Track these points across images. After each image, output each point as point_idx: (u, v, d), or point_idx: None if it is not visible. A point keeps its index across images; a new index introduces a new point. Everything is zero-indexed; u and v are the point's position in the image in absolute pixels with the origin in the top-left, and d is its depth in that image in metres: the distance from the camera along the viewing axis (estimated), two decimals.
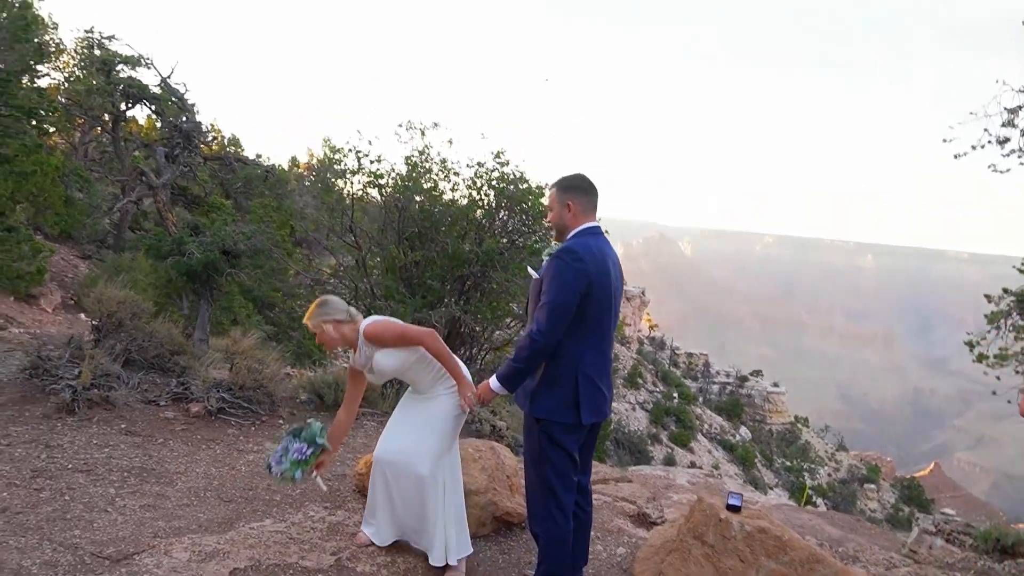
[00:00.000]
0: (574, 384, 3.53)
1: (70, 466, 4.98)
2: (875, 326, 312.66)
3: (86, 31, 17.19)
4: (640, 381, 58.18)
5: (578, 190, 3.67)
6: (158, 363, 7.20)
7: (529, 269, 3.76)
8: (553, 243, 3.75)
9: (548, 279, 3.49)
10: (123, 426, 5.84)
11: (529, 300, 3.76)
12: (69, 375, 6.10)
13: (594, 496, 5.75)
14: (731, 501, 4.06)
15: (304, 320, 4.05)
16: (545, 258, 3.63)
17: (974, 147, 7.82)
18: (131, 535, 4.13)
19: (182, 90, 13.75)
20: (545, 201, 3.78)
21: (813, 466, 59.83)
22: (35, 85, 13.03)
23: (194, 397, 6.48)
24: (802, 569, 3.77)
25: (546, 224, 3.88)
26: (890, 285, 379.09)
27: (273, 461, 4.09)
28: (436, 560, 3.99)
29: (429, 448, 3.94)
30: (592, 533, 4.93)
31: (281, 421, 6.63)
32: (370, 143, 8.37)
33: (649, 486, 6.91)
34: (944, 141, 7.78)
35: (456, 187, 8.37)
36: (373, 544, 4.23)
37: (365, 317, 4.07)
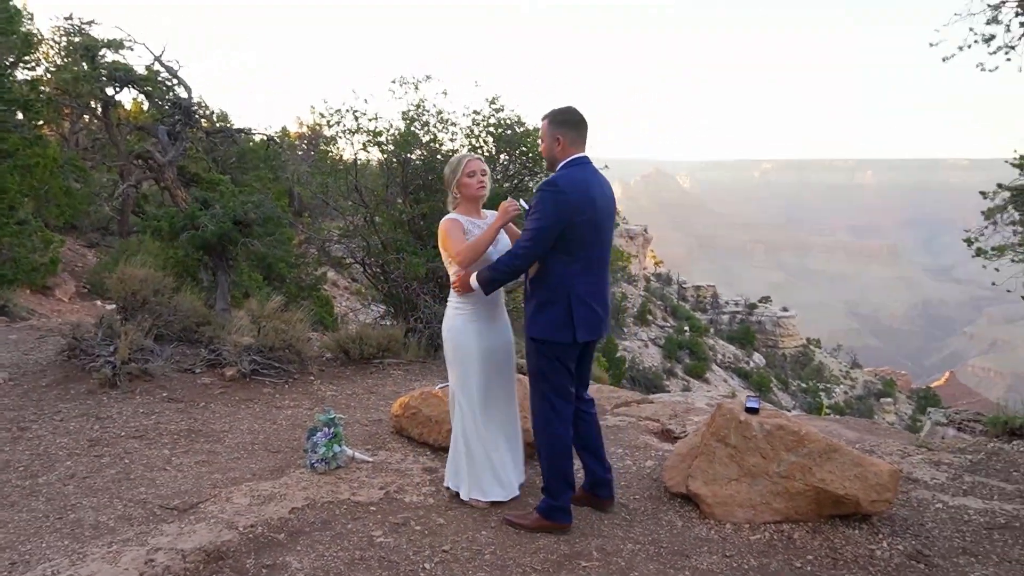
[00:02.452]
0: (567, 305, 3.81)
1: (123, 434, 5.30)
2: (880, 241, 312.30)
3: (65, 18, 17.14)
4: (650, 318, 58.57)
5: (567, 124, 3.89)
6: (186, 335, 7.49)
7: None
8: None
9: (532, 208, 3.80)
10: (164, 395, 6.15)
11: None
12: (106, 352, 6.39)
13: (619, 418, 6.06)
14: (749, 404, 4.32)
15: (476, 156, 4.25)
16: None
17: (960, 48, 7.88)
18: (192, 488, 4.44)
19: (175, 67, 13.81)
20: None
21: (828, 386, 60.47)
22: (26, 78, 13.12)
23: (227, 362, 6.77)
24: (820, 459, 4.04)
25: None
26: (892, 199, 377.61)
27: (313, 461, 4.64)
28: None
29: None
30: (620, 450, 5.24)
31: (312, 377, 6.93)
32: (366, 101, 8.51)
33: (670, 408, 7.20)
34: (931, 45, 7.85)
35: (455, 137, 8.53)
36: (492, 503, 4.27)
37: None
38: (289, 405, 6.18)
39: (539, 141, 4.00)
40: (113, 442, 5.15)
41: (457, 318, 4.16)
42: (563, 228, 3.72)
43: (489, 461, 4.21)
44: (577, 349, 3.95)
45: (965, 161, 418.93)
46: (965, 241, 8.86)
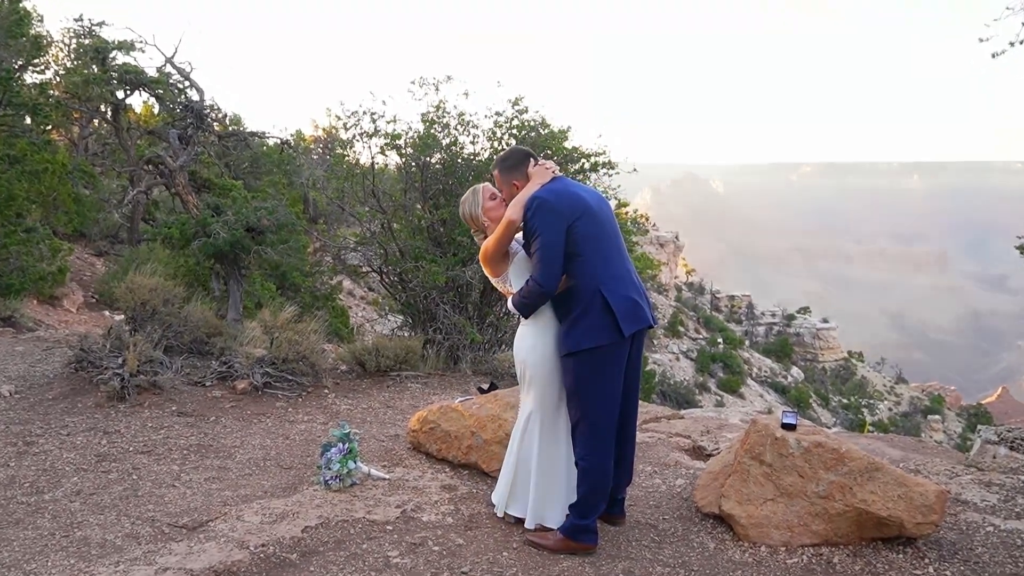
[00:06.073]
0: (602, 304, 3.81)
1: (131, 448, 5.36)
2: (926, 248, 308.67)
3: (75, 19, 17.39)
4: (682, 329, 58.34)
5: (516, 167, 4.03)
6: (196, 346, 7.58)
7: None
8: None
9: (528, 231, 3.87)
10: (174, 408, 6.22)
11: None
12: (114, 365, 6.46)
13: (648, 434, 6.03)
14: (786, 420, 4.27)
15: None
16: None
17: (1012, 44, 7.77)
18: (202, 505, 4.48)
19: (188, 69, 13.97)
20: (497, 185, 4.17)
21: (872, 401, 59.77)
22: (35, 81, 13.36)
23: (239, 375, 6.84)
24: (862, 478, 3.99)
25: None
26: (939, 204, 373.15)
27: (327, 478, 4.65)
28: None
29: None
30: (649, 467, 5.21)
31: (326, 390, 6.97)
32: (384, 103, 8.57)
33: (702, 424, 7.16)
34: (980, 40, 7.75)
35: (476, 139, 8.58)
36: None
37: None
38: (303, 419, 6.22)
39: (499, 191, 4.13)
40: (121, 457, 5.22)
41: (530, 337, 4.09)
42: (565, 234, 3.78)
43: (567, 482, 4.11)
44: (625, 348, 3.93)
45: (1018, 164, 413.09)
46: (1018, 249, 8.73)
